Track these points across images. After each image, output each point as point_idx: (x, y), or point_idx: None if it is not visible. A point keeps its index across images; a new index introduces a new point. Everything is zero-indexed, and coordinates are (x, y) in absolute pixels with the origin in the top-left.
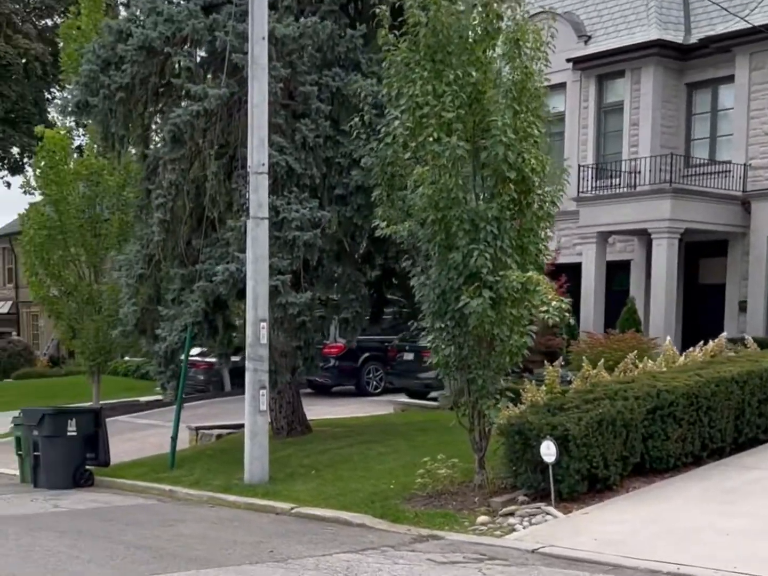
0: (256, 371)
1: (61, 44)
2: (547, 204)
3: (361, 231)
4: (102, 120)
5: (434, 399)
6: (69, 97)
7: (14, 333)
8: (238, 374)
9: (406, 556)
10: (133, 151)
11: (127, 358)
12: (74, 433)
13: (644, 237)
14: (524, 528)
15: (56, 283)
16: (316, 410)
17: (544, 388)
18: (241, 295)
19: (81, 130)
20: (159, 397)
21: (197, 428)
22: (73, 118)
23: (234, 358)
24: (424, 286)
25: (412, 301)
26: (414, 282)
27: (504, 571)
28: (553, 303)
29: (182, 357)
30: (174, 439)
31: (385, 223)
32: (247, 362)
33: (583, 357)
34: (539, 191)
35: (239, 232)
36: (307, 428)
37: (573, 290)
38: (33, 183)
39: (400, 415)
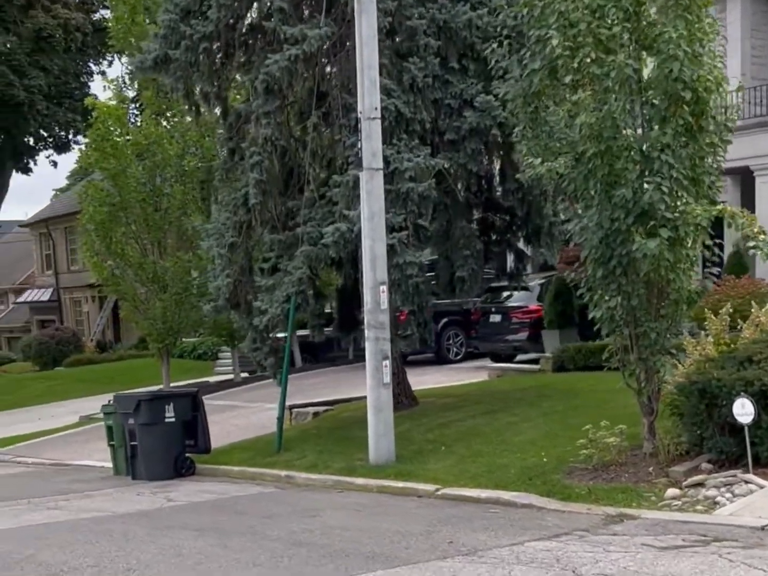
0: (378, 340)
1: (110, 7)
2: (722, 128)
3: (476, 179)
4: (182, 75)
5: (531, 362)
6: (145, 53)
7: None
8: (306, 349)
9: (614, 542)
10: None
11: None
12: (172, 419)
13: (739, 176)
14: (730, 501)
15: (120, 262)
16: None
17: (711, 339)
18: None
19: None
20: (229, 376)
21: (290, 407)
22: (135, 83)
23: (301, 332)
24: (584, 230)
25: (520, 254)
26: (571, 227)
27: (751, 555)
28: (761, 237)
29: (281, 332)
30: (280, 420)
31: (539, 160)
32: (366, 331)
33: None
34: (713, 113)
35: (346, 187)
36: (413, 401)
37: None
38: (87, 159)
39: (503, 381)
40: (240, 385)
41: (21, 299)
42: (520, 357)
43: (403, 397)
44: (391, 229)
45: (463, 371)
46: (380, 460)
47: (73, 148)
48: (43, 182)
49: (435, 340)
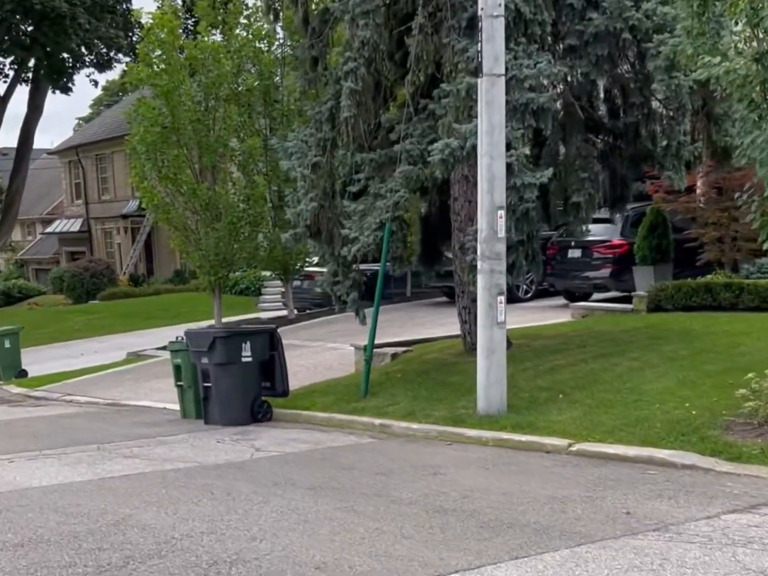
0: (493, 273)
1: None
2: None
3: (598, 92)
4: None
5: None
6: None
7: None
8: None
9: None
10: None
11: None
12: (249, 359)
13: None
14: None
15: (171, 188)
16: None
17: None
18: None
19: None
20: (275, 313)
21: (364, 347)
22: None
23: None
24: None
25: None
26: (744, 139)
27: None
28: None
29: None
30: (368, 361)
31: (717, 59)
32: (480, 262)
33: None
34: None
35: (457, 98)
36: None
37: None
38: (137, 75)
39: (598, 321)
40: (295, 322)
41: (49, 230)
42: (596, 296)
43: None
44: (507, 145)
45: (538, 311)
46: (491, 409)
47: (115, 66)
48: (63, 110)
49: None
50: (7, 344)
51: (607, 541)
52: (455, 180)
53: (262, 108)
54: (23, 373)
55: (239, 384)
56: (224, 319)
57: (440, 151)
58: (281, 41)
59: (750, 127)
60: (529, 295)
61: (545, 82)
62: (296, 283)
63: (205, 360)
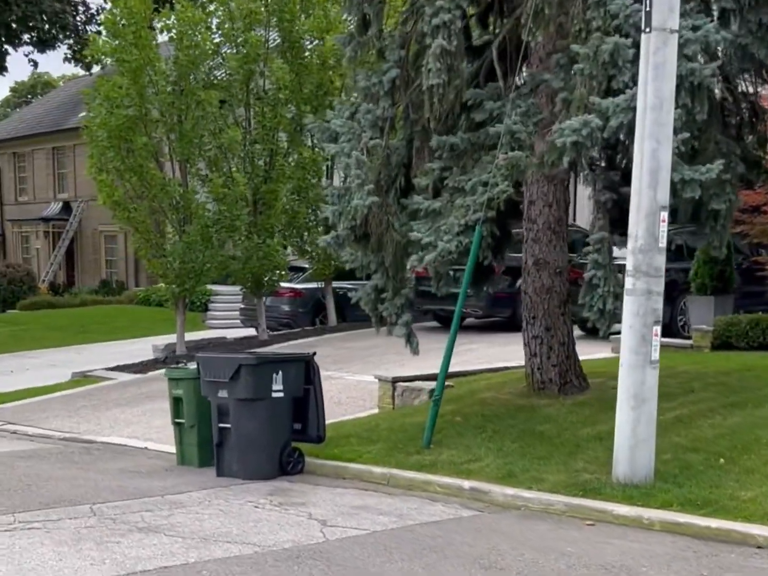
0: (650, 295)
1: None
2: None
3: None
4: None
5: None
6: None
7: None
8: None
9: None
10: None
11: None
12: (281, 394)
13: None
14: None
15: (137, 182)
16: (480, 352)
17: None
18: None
19: None
20: (244, 332)
21: (394, 380)
22: None
23: (337, 284)
24: None
25: None
26: None
27: None
28: None
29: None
30: (437, 402)
31: None
32: (631, 279)
33: None
34: None
35: (594, 63)
36: (584, 381)
37: None
38: (101, 48)
39: (673, 359)
40: (268, 343)
41: None
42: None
43: (572, 374)
44: None
45: None
46: (636, 476)
47: (59, 45)
48: None
49: (510, 302)
50: None
51: None
52: (533, 179)
53: (243, 96)
54: None
55: (267, 426)
56: (163, 337)
57: (574, 131)
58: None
59: None
60: None
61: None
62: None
63: (223, 393)
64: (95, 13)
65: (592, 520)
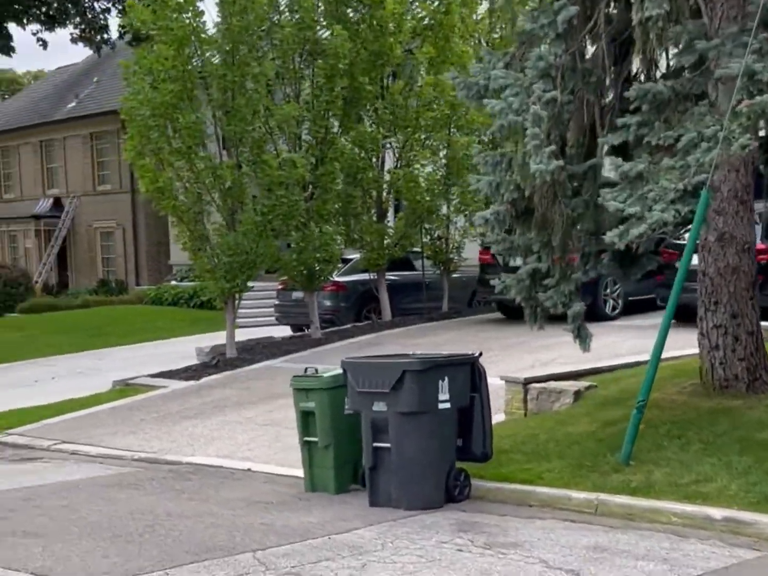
0: None
1: None
2: None
3: None
4: None
5: None
6: None
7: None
8: (397, 294)
9: None
10: None
11: (174, 283)
12: (447, 405)
13: None
14: None
15: (184, 164)
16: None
17: None
18: None
19: None
20: (278, 331)
21: (526, 381)
22: None
23: (391, 274)
24: None
25: None
26: None
27: None
28: None
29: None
30: (642, 409)
31: None
32: None
33: None
34: None
35: None
36: None
37: None
38: (141, 14)
39: None
40: (323, 343)
41: None
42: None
43: (762, 370)
44: None
45: (636, 331)
46: None
47: (69, 23)
48: None
49: (591, 290)
50: None
51: None
52: None
53: (296, 67)
54: None
55: (433, 444)
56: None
57: None
58: None
59: None
60: (616, 311)
61: None
62: (297, 295)
63: (380, 406)
64: None
65: None
